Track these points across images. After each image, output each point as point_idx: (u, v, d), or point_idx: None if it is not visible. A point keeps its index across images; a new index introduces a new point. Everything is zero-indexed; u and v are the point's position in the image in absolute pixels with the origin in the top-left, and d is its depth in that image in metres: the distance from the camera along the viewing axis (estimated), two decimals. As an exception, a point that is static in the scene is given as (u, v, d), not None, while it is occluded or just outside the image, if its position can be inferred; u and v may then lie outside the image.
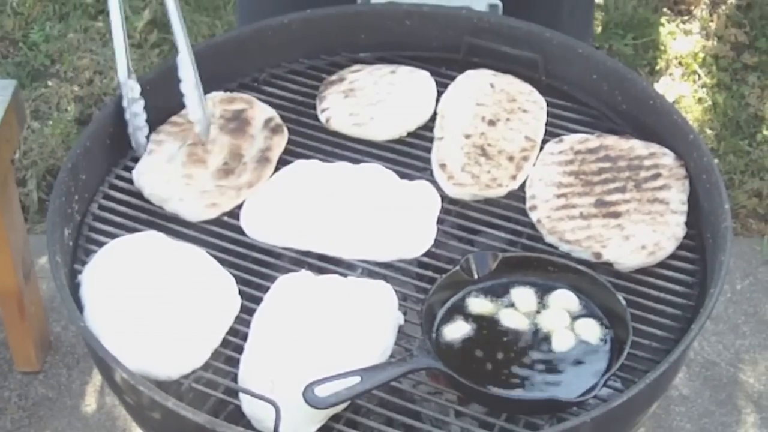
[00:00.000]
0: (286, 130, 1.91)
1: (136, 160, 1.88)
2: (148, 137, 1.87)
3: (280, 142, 1.89)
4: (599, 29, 3.76)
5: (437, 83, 1.99)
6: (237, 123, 1.89)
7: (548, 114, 1.95)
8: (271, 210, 1.79)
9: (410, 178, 1.85)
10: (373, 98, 1.95)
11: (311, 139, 1.92)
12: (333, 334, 1.60)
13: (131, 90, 1.84)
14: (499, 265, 1.69)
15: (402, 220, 1.77)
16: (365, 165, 1.86)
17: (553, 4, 2.17)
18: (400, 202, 1.79)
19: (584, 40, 2.03)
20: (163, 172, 1.82)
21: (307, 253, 1.75)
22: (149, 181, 1.82)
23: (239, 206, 1.80)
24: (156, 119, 1.90)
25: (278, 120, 1.92)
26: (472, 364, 1.59)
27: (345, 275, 1.71)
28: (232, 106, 1.93)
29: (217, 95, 1.95)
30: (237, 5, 2.37)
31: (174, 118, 1.91)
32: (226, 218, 1.80)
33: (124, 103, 1.84)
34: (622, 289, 1.68)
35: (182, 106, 1.88)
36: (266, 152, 1.86)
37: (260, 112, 1.93)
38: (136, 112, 1.85)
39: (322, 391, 1.49)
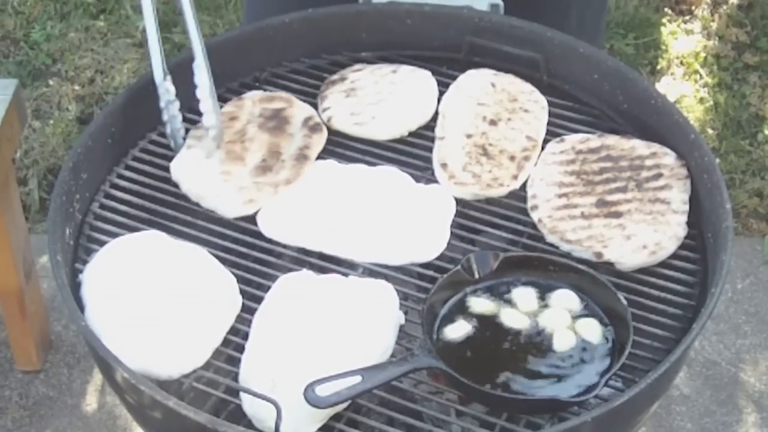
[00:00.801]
0: (325, 129, 1.91)
1: (137, 159, 1.89)
2: (185, 138, 1.86)
3: (319, 141, 1.89)
4: (600, 29, 3.76)
5: (438, 83, 1.99)
6: (276, 121, 1.90)
7: (549, 114, 1.95)
8: (287, 210, 1.79)
9: (413, 177, 1.85)
10: (374, 98, 1.95)
11: (312, 139, 1.92)
12: (334, 334, 1.60)
13: (167, 92, 1.83)
14: (500, 265, 1.69)
15: (415, 224, 1.76)
16: (380, 167, 1.85)
17: (560, 9, 2.17)
18: (414, 205, 1.79)
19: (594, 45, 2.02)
20: (201, 167, 1.83)
21: (309, 252, 1.75)
22: (187, 176, 1.82)
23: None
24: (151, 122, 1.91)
25: (317, 119, 1.92)
26: (473, 363, 1.59)
27: (346, 274, 1.71)
28: (272, 104, 1.93)
29: (257, 94, 1.96)
30: (244, 4, 2.37)
31: None
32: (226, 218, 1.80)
33: (161, 104, 1.84)
34: (623, 288, 1.68)
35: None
36: (304, 150, 1.86)
37: (299, 110, 1.93)
38: (173, 114, 1.84)
39: (323, 391, 1.49)
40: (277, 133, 1.88)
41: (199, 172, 1.82)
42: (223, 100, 1.95)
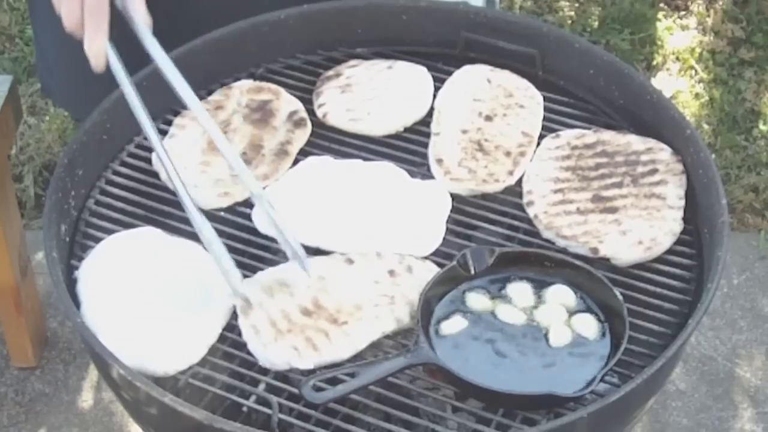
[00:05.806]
0: (309, 124, 1.91)
1: (133, 155, 1.88)
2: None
3: (302, 136, 1.89)
4: (596, 24, 3.76)
5: (434, 78, 1.99)
6: (261, 114, 1.89)
7: (545, 109, 1.95)
8: (283, 206, 1.78)
9: (408, 173, 1.85)
10: (369, 93, 1.95)
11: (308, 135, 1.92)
12: None
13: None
14: (496, 261, 1.69)
15: (411, 220, 1.76)
16: (376, 163, 1.85)
17: None
18: (410, 201, 1.78)
19: None
20: (180, 157, 1.82)
21: (305, 248, 1.74)
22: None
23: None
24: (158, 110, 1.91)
25: (302, 113, 1.92)
26: (469, 359, 1.59)
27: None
28: (259, 96, 1.93)
29: (246, 84, 1.96)
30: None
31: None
32: (222, 214, 1.80)
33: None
34: (619, 284, 1.68)
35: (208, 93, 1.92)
36: (286, 145, 1.86)
37: (286, 104, 1.93)
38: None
39: (319, 387, 1.49)
40: (261, 125, 1.88)
41: (179, 162, 1.81)
42: (218, 96, 1.96)
